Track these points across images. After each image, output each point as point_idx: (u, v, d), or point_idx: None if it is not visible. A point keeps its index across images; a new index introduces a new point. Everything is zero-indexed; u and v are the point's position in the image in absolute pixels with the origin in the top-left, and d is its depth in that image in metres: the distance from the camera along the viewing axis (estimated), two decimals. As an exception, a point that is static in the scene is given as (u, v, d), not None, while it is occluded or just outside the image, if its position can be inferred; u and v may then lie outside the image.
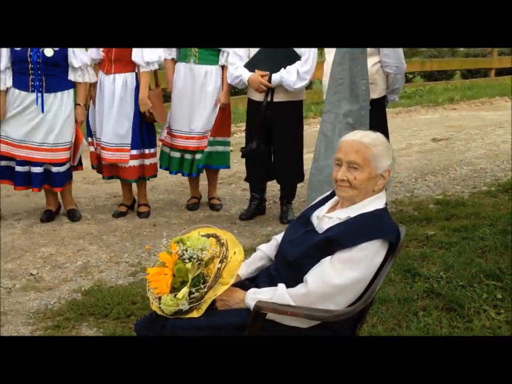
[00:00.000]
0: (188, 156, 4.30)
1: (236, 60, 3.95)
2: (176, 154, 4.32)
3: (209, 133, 4.21)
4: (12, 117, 3.90)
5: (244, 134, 5.44)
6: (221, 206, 4.57)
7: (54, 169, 4.00)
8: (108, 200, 4.71)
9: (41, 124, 3.90)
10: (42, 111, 3.87)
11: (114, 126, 4.04)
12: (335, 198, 2.10)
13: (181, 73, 4.15)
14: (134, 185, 4.42)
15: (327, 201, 2.12)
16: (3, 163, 4.01)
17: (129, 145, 4.09)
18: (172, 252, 2.04)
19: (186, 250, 2.00)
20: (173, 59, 4.21)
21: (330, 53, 3.57)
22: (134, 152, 4.12)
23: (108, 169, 4.24)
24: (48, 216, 4.17)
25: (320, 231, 2.01)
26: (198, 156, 4.27)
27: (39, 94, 3.85)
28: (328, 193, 2.18)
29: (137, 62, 3.96)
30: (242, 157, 4.18)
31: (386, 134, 4.05)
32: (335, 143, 2.52)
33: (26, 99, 3.86)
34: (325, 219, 2.03)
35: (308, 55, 3.83)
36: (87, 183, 5.13)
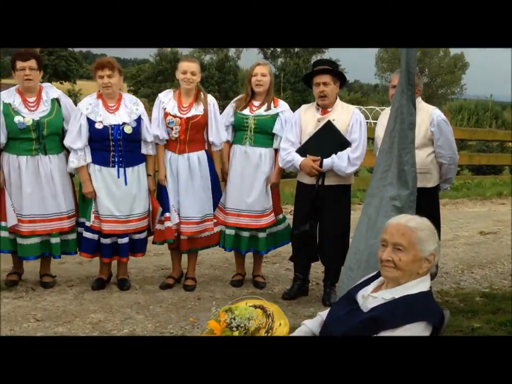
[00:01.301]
0: (244, 234, 4.44)
1: (288, 145, 4.16)
2: (231, 232, 4.45)
3: (268, 211, 4.40)
4: (96, 192, 4.13)
5: (289, 216, 5.61)
6: (264, 284, 4.64)
7: (136, 236, 4.27)
8: (156, 272, 4.86)
9: (125, 197, 4.15)
10: (126, 184, 4.13)
11: (197, 200, 4.28)
12: (380, 278, 2.17)
13: (236, 154, 4.38)
14: (184, 261, 4.57)
15: (372, 281, 2.20)
16: (89, 235, 4.20)
17: (212, 214, 4.36)
18: (221, 320, 2.14)
19: (234, 319, 2.11)
20: (228, 141, 4.47)
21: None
22: (216, 220, 4.42)
23: (186, 243, 4.39)
24: (100, 284, 4.34)
25: (365, 310, 2.08)
26: (261, 234, 4.45)
27: (121, 169, 4.12)
28: (373, 273, 2.26)
29: (215, 142, 4.30)
30: (294, 238, 4.24)
31: (438, 221, 4.13)
32: (378, 225, 2.63)
33: (107, 174, 4.12)
34: (370, 298, 2.10)
35: (359, 141, 4.03)
36: (137, 255, 5.33)
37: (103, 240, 4.21)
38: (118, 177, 4.12)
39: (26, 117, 3.99)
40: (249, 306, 2.21)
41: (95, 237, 4.21)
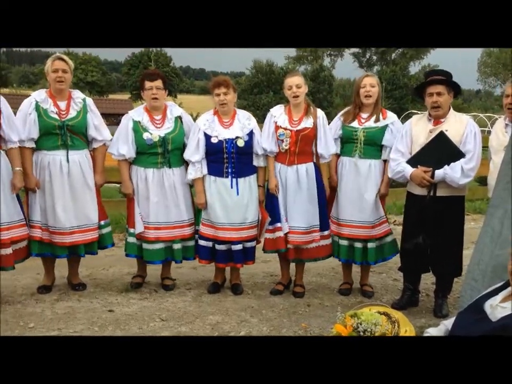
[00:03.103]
0: (358, 245, 4.50)
1: (398, 156, 4.16)
2: (344, 243, 4.54)
3: (378, 222, 4.44)
4: (209, 201, 4.41)
5: (392, 226, 5.57)
6: (372, 294, 4.66)
7: (248, 244, 4.49)
8: (265, 278, 5.06)
9: (237, 206, 4.39)
10: (238, 193, 4.37)
11: (304, 210, 4.41)
12: (509, 289, 2.18)
13: (346, 166, 4.45)
14: (292, 268, 4.72)
15: (500, 291, 2.21)
16: (203, 243, 4.49)
17: (318, 226, 4.45)
18: (347, 324, 2.24)
19: (360, 324, 2.20)
20: (336, 154, 4.53)
21: (497, 154, 3.67)
22: (326, 233, 4.50)
23: (293, 252, 4.52)
24: (215, 288, 4.61)
25: (493, 319, 2.09)
26: (370, 245, 4.48)
27: (234, 179, 4.37)
28: (501, 283, 2.26)
29: (324, 155, 4.40)
30: (405, 250, 4.23)
31: None
32: (503, 236, 2.60)
33: (221, 184, 4.39)
34: (499, 308, 2.12)
35: (473, 152, 3.94)
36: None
37: (218, 247, 4.45)
38: (231, 187, 4.35)
39: (154, 133, 4.33)
40: (374, 312, 2.29)
41: (209, 244, 4.46)
